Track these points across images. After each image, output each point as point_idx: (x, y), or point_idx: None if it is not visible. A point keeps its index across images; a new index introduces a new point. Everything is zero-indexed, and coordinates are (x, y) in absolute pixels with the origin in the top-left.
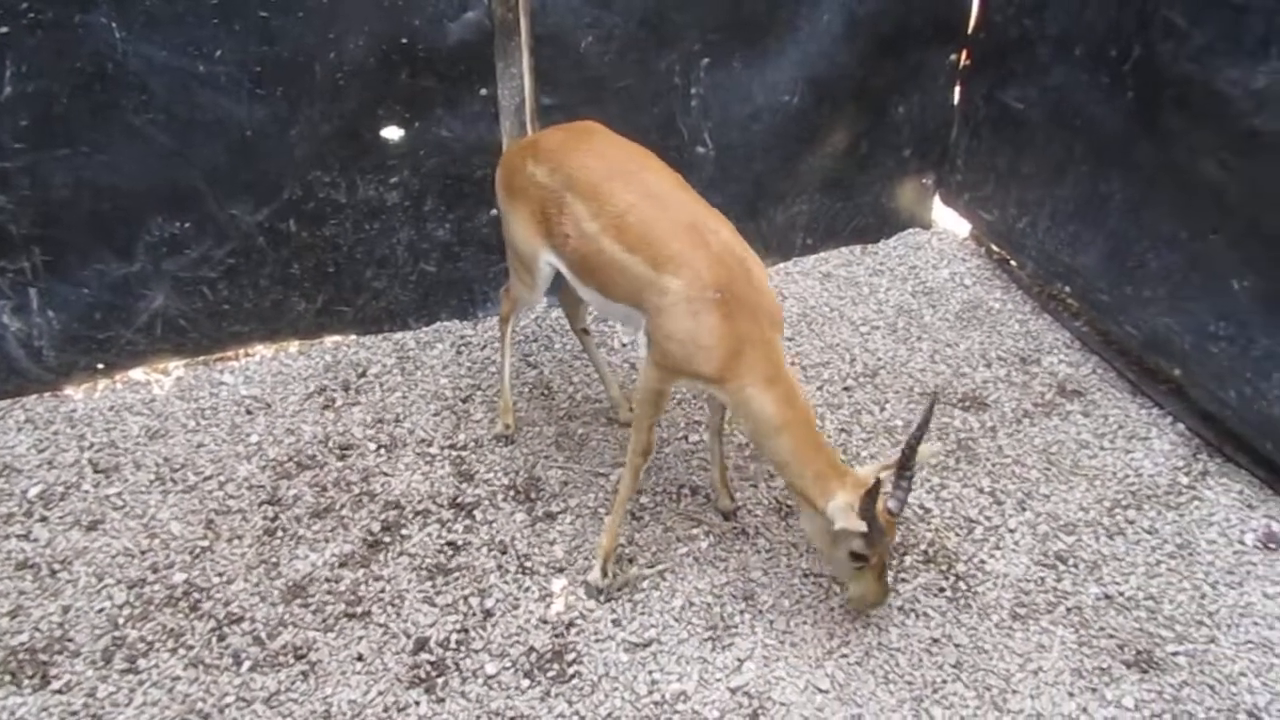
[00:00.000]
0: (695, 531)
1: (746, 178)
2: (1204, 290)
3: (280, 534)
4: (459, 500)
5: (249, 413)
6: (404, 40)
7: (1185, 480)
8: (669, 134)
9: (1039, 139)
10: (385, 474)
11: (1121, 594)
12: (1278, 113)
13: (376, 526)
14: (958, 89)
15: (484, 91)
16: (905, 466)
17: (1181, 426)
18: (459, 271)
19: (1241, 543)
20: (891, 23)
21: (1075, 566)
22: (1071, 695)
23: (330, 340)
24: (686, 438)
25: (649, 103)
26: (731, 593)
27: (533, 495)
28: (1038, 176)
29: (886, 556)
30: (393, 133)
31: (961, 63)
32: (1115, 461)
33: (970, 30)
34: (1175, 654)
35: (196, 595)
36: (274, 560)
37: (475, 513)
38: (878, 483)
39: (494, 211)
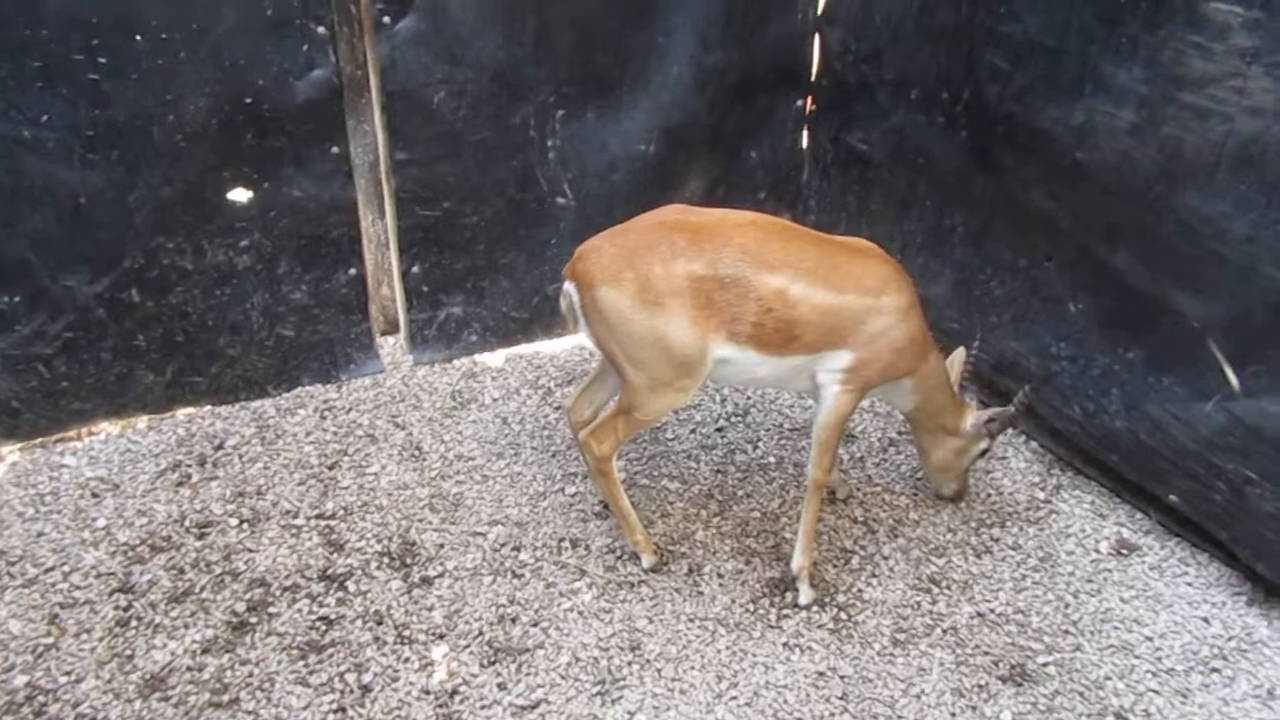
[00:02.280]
0: (578, 585)
1: (609, 226)
2: (1044, 314)
3: (135, 623)
4: (330, 572)
5: (95, 496)
6: (248, 100)
7: (1042, 495)
8: (528, 186)
9: (884, 177)
10: (249, 550)
11: (993, 610)
12: (1096, 146)
13: (241, 607)
14: (806, 133)
15: (336, 149)
16: (1020, 408)
17: (1035, 444)
18: (319, 334)
19: (1097, 551)
20: (738, 72)
21: (948, 588)
22: (953, 715)
23: (183, 413)
24: (563, 489)
25: (506, 156)
26: (618, 644)
27: (408, 560)
28: (886, 213)
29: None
30: (241, 195)
31: (808, 108)
32: (977, 482)
33: (813, 77)
34: (1046, 665)
35: (42, 699)
36: (128, 653)
37: (348, 584)
38: (1023, 396)
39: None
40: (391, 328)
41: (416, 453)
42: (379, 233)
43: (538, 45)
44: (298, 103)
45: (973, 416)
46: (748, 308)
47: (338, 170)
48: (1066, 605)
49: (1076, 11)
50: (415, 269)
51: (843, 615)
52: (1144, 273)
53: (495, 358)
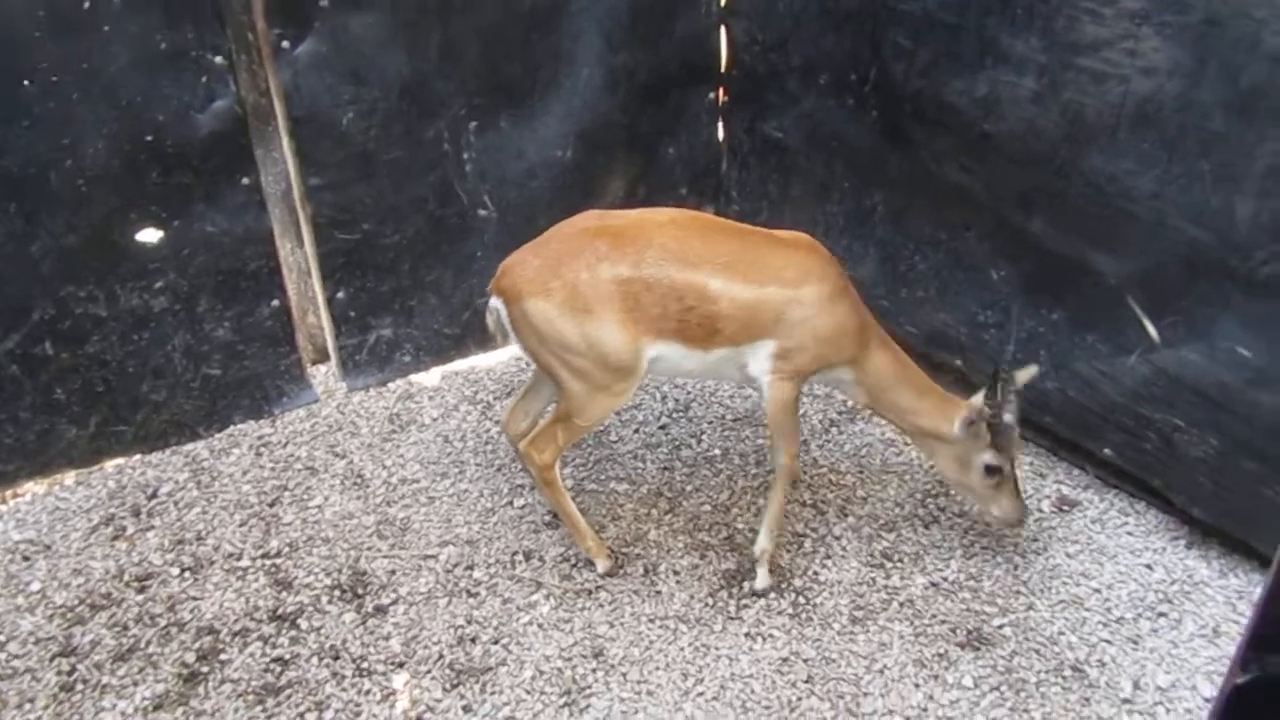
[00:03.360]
0: (535, 597)
1: (533, 235)
2: (968, 284)
3: (80, 687)
4: (280, 611)
5: (25, 559)
6: (149, 138)
7: None
8: (448, 201)
9: (802, 163)
10: (193, 598)
11: (945, 579)
12: (1001, 116)
13: (191, 657)
14: (721, 125)
15: (246, 180)
16: (994, 392)
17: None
18: (247, 370)
19: (1040, 510)
20: (647, 70)
21: (900, 561)
22: (917, 686)
23: (111, 465)
24: (512, 503)
25: (422, 172)
26: (580, 653)
27: (360, 591)
28: (806, 198)
29: (1017, 467)
30: (151, 235)
31: (720, 100)
32: (918, 454)
33: (723, 69)
34: (1001, 626)
35: None
36: (76, 718)
37: (300, 621)
38: (996, 376)
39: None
40: (321, 356)
41: (359, 480)
42: (299, 261)
43: (444, 59)
44: (201, 136)
45: (964, 412)
46: (671, 306)
47: (250, 201)
48: (1015, 566)
49: None
50: (340, 294)
51: (801, 599)
52: (1059, 236)
53: (431, 376)
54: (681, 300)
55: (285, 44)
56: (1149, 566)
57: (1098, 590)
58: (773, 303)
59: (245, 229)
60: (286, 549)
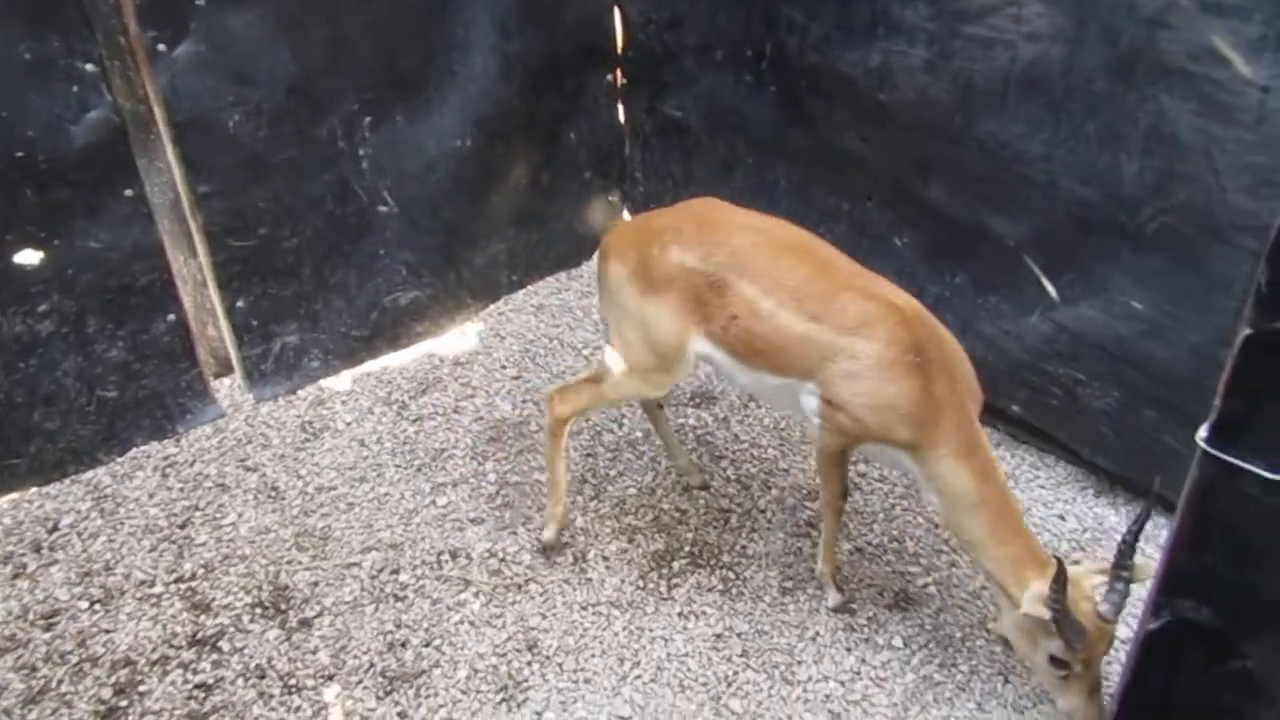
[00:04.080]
0: (464, 596)
1: (438, 228)
2: (874, 253)
3: None
4: (199, 636)
5: None
6: (19, 154)
7: None
8: (346, 199)
9: (704, 142)
10: (105, 631)
11: (870, 543)
12: (895, 86)
13: (108, 693)
14: (621, 107)
15: (129, 192)
16: (1121, 566)
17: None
18: (145, 389)
19: None
20: (542, 56)
21: None
22: (849, 650)
23: (5, 500)
24: (434, 502)
25: (317, 172)
26: (514, 647)
27: (282, 606)
28: (710, 176)
29: (1097, 668)
30: (30, 257)
31: (619, 82)
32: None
33: (620, 51)
34: (926, 585)
35: None
36: None
37: (221, 644)
38: (1061, 569)
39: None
40: (224, 368)
41: (273, 493)
42: (194, 272)
43: (332, 54)
44: (77, 149)
45: (1041, 582)
46: (720, 310)
47: (135, 214)
48: (936, 526)
49: None
50: (240, 303)
51: (730, 574)
52: (957, 201)
53: (341, 381)
54: (728, 308)
55: (161, 47)
56: (1061, 517)
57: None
58: (818, 343)
59: (132, 243)
60: (202, 571)
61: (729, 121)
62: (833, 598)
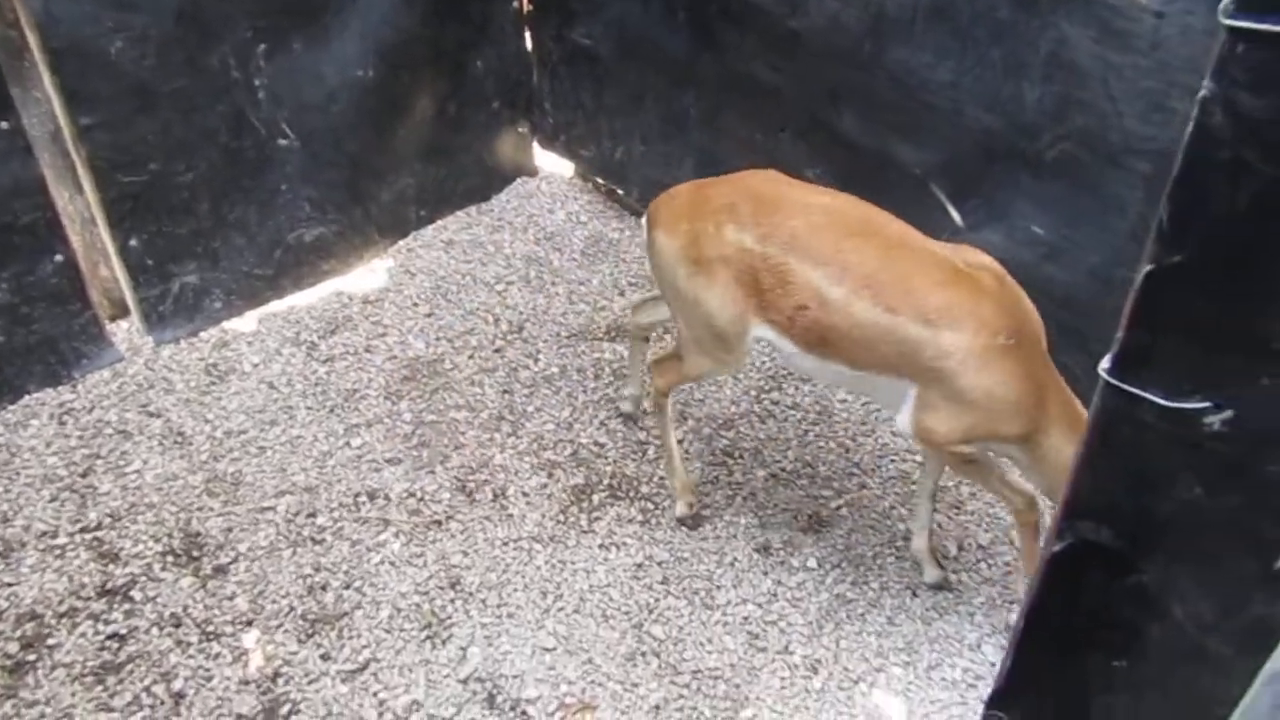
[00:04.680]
0: (383, 536)
1: (341, 162)
2: None
3: None
4: (109, 586)
5: None
6: None
7: None
8: (242, 132)
9: (614, 71)
10: (7, 585)
11: (784, 469)
12: (806, 13)
13: (14, 648)
14: (529, 35)
15: (4, 124)
16: None
17: None
18: (35, 334)
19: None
20: None
21: (741, 457)
22: (766, 573)
23: None
24: (349, 443)
25: (211, 102)
26: (437, 585)
27: (195, 554)
28: (621, 107)
29: None
30: None
31: (525, 8)
32: (755, 356)
33: None
34: (838, 508)
35: None
36: None
37: (133, 593)
38: None
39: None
40: (120, 310)
41: (179, 439)
42: (81, 209)
43: None
44: None
45: None
46: (782, 298)
47: (12, 148)
48: (847, 450)
49: None
50: (134, 242)
51: (649, 505)
52: (868, 130)
53: (246, 321)
54: (792, 297)
55: None
56: None
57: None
58: (903, 337)
59: (12, 179)
60: (108, 520)
61: (639, 50)
62: (930, 573)
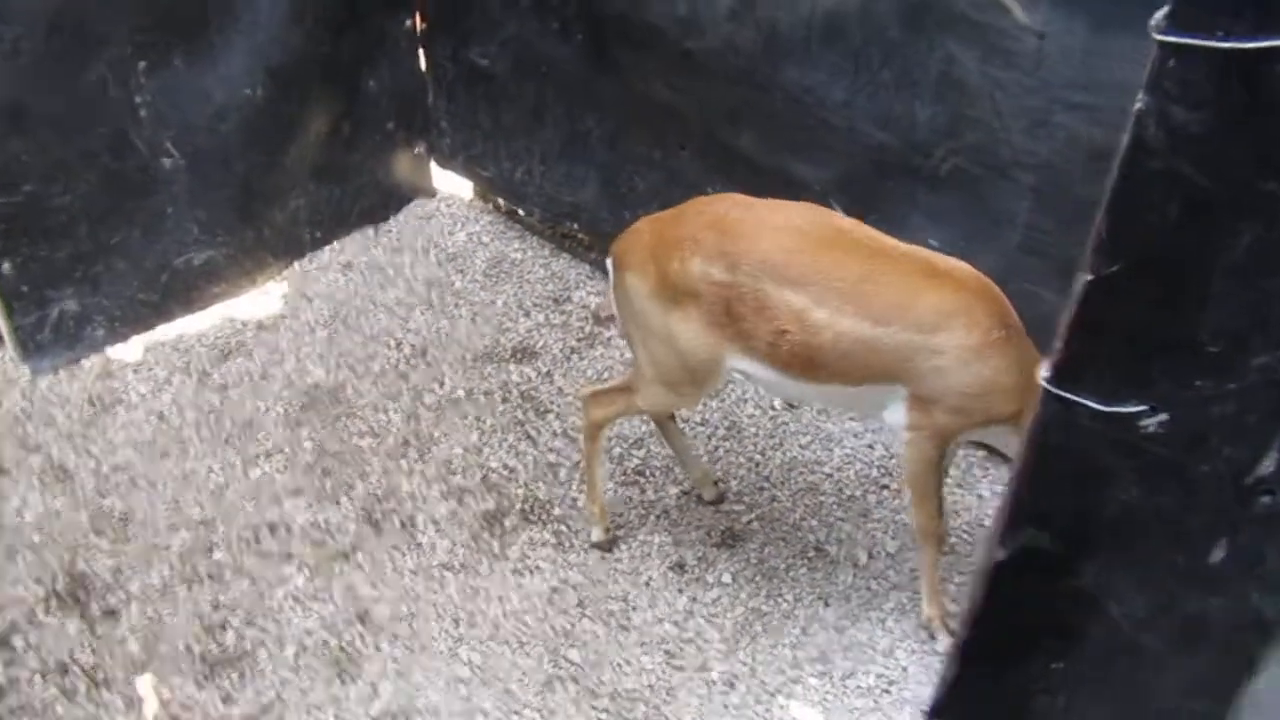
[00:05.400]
0: (286, 570)
1: (231, 183)
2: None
3: None
4: None
5: None
6: None
7: None
8: (124, 152)
9: (511, 91)
10: None
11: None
12: (702, 34)
13: None
14: (423, 54)
15: None
16: None
17: None
18: None
19: (773, 408)
20: None
21: (652, 476)
22: (681, 591)
23: None
24: (247, 474)
25: (89, 122)
26: (344, 619)
27: (81, 596)
28: (520, 126)
29: None
30: None
31: (419, 27)
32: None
33: None
34: (750, 522)
35: None
36: None
37: (13, 641)
38: None
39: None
40: None
41: (62, 474)
42: None
43: None
44: None
45: None
46: (762, 325)
47: None
48: (757, 463)
49: None
50: (6, 266)
51: (562, 528)
52: (766, 148)
53: (132, 349)
54: (773, 322)
55: None
56: (870, 446)
57: (830, 475)
58: (896, 346)
59: None
60: None
61: (537, 70)
62: (944, 641)
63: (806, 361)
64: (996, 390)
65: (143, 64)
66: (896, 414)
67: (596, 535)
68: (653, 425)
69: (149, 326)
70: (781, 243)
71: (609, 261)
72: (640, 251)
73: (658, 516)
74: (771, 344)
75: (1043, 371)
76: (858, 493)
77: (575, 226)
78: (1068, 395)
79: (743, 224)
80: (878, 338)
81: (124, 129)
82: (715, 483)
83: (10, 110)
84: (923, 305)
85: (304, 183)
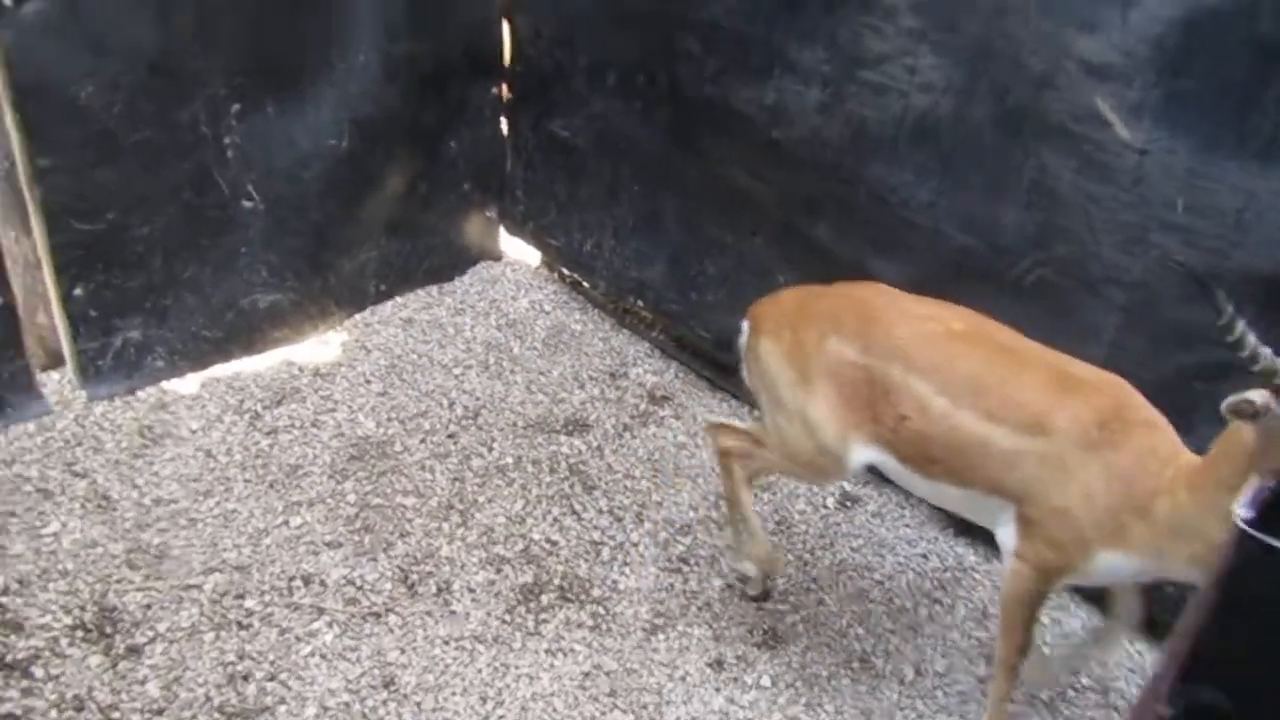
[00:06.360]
0: (316, 625)
1: (305, 230)
2: (755, 288)
3: None
4: (8, 659)
5: None
6: None
7: None
8: (206, 190)
9: (590, 164)
10: None
11: (740, 581)
12: (789, 124)
13: None
14: (505, 122)
15: None
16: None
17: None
18: None
19: (825, 507)
20: (429, 60)
21: (697, 565)
22: (718, 690)
23: None
24: (287, 522)
25: (176, 157)
26: (369, 684)
27: (108, 630)
28: (595, 200)
29: None
30: None
31: (505, 95)
32: (710, 458)
33: (507, 64)
34: (794, 624)
35: None
36: None
37: (33, 669)
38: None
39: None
40: (54, 361)
41: (104, 503)
42: (26, 252)
43: (200, 32)
44: None
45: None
46: (887, 410)
47: None
48: (805, 563)
49: None
50: (79, 291)
51: (600, 610)
52: (842, 241)
53: (188, 384)
54: (895, 406)
55: (8, 1)
56: (924, 556)
57: (880, 582)
58: (1000, 448)
59: None
60: (16, 585)
61: (617, 146)
62: None
63: (922, 452)
64: (1098, 501)
65: (236, 106)
66: (1006, 534)
67: (756, 587)
68: (700, 513)
69: (208, 363)
70: (919, 329)
71: (744, 323)
72: (779, 318)
73: (699, 608)
74: (894, 429)
75: (1239, 510)
76: (909, 604)
77: (640, 303)
78: (1269, 540)
79: (886, 310)
80: (988, 436)
81: (209, 167)
82: (766, 577)
83: (103, 140)
84: (1033, 404)
85: (376, 236)
